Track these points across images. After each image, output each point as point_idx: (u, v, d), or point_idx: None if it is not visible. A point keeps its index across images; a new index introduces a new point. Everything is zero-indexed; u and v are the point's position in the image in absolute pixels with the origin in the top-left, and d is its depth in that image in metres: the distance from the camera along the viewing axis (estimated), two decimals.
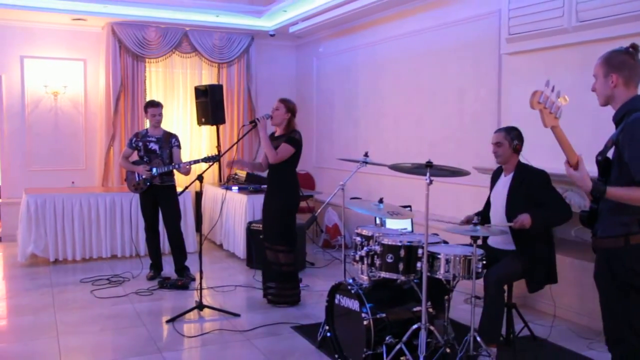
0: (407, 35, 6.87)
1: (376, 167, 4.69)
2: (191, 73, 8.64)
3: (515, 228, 3.57)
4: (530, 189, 3.66)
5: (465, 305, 4.69)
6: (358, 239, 3.72)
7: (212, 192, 7.61)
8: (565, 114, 4.76)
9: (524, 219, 3.52)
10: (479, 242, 3.92)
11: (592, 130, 4.21)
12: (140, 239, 6.56)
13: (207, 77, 8.76)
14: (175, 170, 5.66)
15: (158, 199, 5.69)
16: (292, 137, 4.75)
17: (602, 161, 2.54)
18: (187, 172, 5.52)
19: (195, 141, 8.79)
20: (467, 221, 3.92)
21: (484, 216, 4.02)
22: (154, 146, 5.63)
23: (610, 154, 2.54)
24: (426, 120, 6.61)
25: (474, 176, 5.27)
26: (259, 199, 6.50)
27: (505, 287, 3.80)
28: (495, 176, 4.02)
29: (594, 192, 2.42)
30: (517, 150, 3.78)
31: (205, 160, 5.36)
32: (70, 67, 8.05)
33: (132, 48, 8.03)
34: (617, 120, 2.54)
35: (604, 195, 2.40)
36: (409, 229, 5.26)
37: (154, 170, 5.53)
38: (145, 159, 5.62)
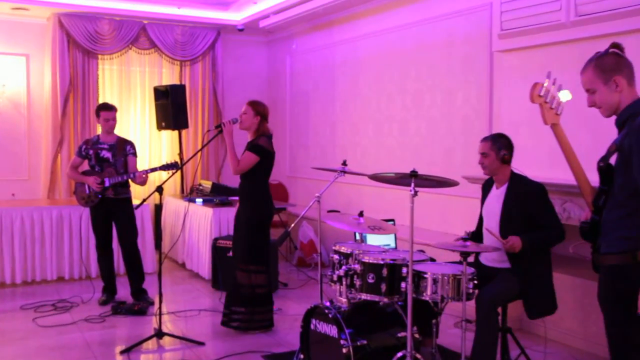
0: (390, 30, 6.91)
1: (356, 177, 4.70)
2: (150, 71, 8.58)
3: (504, 249, 3.59)
4: (526, 205, 3.68)
5: (455, 330, 4.68)
6: (336, 256, 3.70)
7: (174, 205, 7.53)
8: (566, 119, 4.83)
9: (514, 242, 3.55)
10: (470, 259, 3.92)
11: (591, 135, 4.26)
12: (91, 258, 6.45)
13: (168, 76, 8.72)
14: (130, 181, 5.58)
15: (111, 213, 5.61)
16: (255, 144, 4.74)
17: (604, 167, 2.55)
18: (143, 182, 5.46)
19: (155, 148, 8.72)
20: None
21: (477, 234, 4.02)
22: (106, 154, 5.56)
23: (612, 160, 2.56)
24: (411, 125, 6.64)
25: (464, 186, 5.31)
26: (226, 212, 6.47)
27: (500, 309, 3.80)
28: (486, 187, 4.03)
29: None
30: (506, 160, 3.79)
31: (164, 168, 5.31)
32: (10, 63, 7.92)
33: (82, 42, 7.94)
34: (620, 123, 2.57)
35: None
36: (392, 245, 5.26)
37: (107, 181, 5.45)
38: (96, 169, 5.54)
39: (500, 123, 5.34)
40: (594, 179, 2.65)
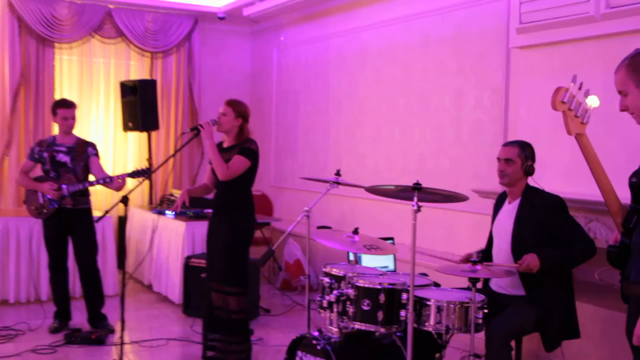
0: (393, 22, 6.96)
1: (351, 189, 4.71)
2: (116, 64, 8.59)
3: (520, 270, 3.60)
4: (542, 219, 3.70)
5: None
6: (326, 279, 3.70)
7: (141, 218, 7.51)
8: (594, 125, 4.86)
9: (529, 262, 3.56)
10: (479, 285, 3.93)
11: (622, 145, 4.29)
12: (42, 278, 6.41)
13: (137, 69, 8.73)
14: (91, 188, 5.58)
15: (68, 226, 5.58)
16: (246, 147, 4.73)
17: (637, 184, 2.57)
18: (119, 188, 5.45)
19: (120, 152, 8.73)
20: (466, 259, 3.94)
21: (486, 254, 4.04)
22: (64, 157, 5.54)
23: None
24: (414, 130, 6.67)
25: (473, 201, 5.32)
26: (201, 227, 6.44)
27: (513, 343, 3.81)
28: (499, 203, 4.06)
29: None
30: (530, 172, 3.84)
31: (134, 175, 5.29)
32: None
33: (36, 28, 7.95)
34: None
35: None
36: (391, 267, 5.28)
37: (65, 188, 5.43)
38: (51, 174, 5.52)
39: (516, 130, 5.37)
40: (624, 196, 2.65)
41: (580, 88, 2.56)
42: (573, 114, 2.55)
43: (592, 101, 2.56)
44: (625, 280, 2.58)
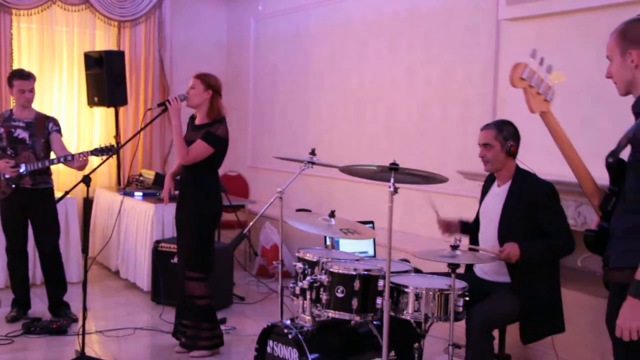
0: None
1: (332, 170, 4.73)
2: (80, 33, 8.55)
3: (499, 258, 3.65)
4: (531, 207, 3.74)
5: (443, 356, 4.72)
6: (299, 265, 3.74)
7: (108, 199, 7.50)
8: (585, 102, 4.89)
9: (510, 251, 3.62)
10: (462, 270, 3.99)
11: (614, 122, 4.34)
12: (0, 263, 6.40)
13: (103, 39, 8.68)
14: (53, 167, 5.57)
15: (27, 207, 5.57)
16: (210, 132, 4.76)
17: (614, 164, 2.60)
18: (82, 167, 5.41)
19: (85, 129, 8.70)
20: (447, 226, 4.02)
21: (471, 234, 4.09)
22: (22, 133, 5.52)
23: (625, 155, 2.61)
24: (400, 108, 6.70)
25: (460, 183, 5.41)
26: (171, 209, 6.39)
27: (497, 332, 3.87)
28: (487, 185, 4.10)
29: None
30: (512, 153, 3.85)
31: (97, 152, 5.27)
32: None
33: None
34: (638, 111, 2.62)
35: None
36: (371, 252, 5.33)
37: (23, 167, 5.42)
38: (9, 152, 5.50)
39: (506, 107, 5.41)
40: (603, 177, 2.69)
41: (541, 63, 2.60)
42: (535, 91, 2.59)
43: (556, 77, 2.60)
44: (606, 267, 2.62)
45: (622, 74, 2.60)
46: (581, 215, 4.61)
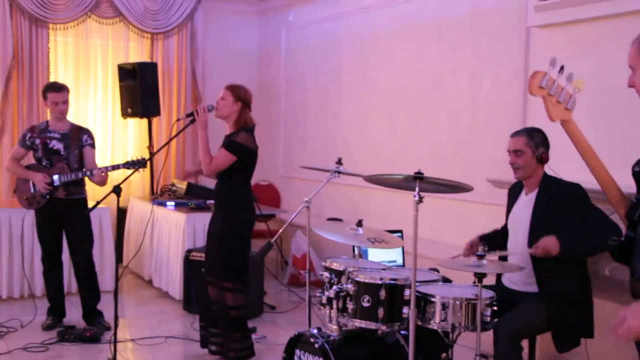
0: (406, 0, 6.94)
1: (363, 179, 4.71)
2: (114, 45, 8.64)
3: (537, 255, 3.58)
4: (561, 209, 3.70)
5: None
6: (326, 274, 3.74)
7: (142, 209, 7.58)
8: (616, 109, 4.82)
9: (546, 243, 3.54)
10: (491, 281, 3.96)
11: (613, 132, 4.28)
12: (35, 273, 6.48)
13: (136, 51, 8.77)
14: (87, 179, 5.63)
15: (62, 217, 5.65)
16: (232, 140, 4.78)
17: None
18: (102, 182, 5.49)
19: (119, 140, 8.79)
20: (470, 249, 3.97)
21: (500, 243, 4.05)
22: (57, 145, 5.60)
23: None
24: (429, 116, 6.67)
25: (490, 191, 5.36)
26: (203, 218, 6.49)
27: (527, 342, 3.83)
28: (514, 193, 4.06)
29: None
30: (543, 160, 3.82)
31: (129, 165, 5.32)
32: None
33: (29, 8, 7.99)
34: None
35: None
36: (399, 261, 5.29)
37: (56, 178, 5.49)
38: (44, 163, 5.59)
39: (534, 115, 5.35)
40: (629, 185, 2.65)
41: (561, 71, 2.57)
42: (554, 99, 2.56)
43: (577, 85, 2.56)
44: (632, 277, 2.58)
45: None
46: None
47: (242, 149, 4.77)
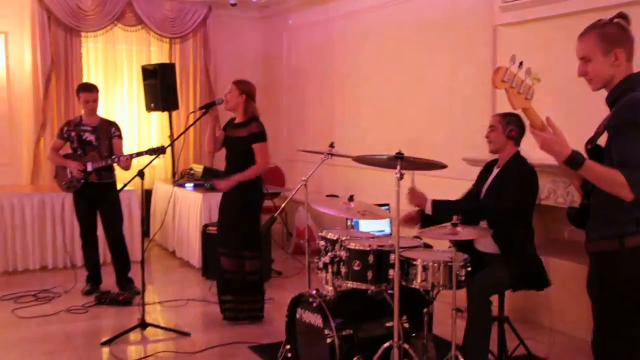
0: (391, 3, 6.90)
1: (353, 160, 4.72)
2: (137, 50, 8.62)
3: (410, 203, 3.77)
4: (503, 182, 3.74)
5: (449, 319, 4.72)
6: (322, 243, 3.75)
7: (165, 190, 7.60)
8: (571, 96, 4.81)
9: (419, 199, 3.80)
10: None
11: (593, 113, 4.25)
12: (75, 246, 6.51)
13: (157, 54, 8.74)
14: (115, 165, 5.65)
15: (95, 198, 5.68)
16: (253, 133, 4.81)
17: (592, 150, 2.57)
18: (127, 167, 5.53)
19: (144, 130, 8.78)
20: (408, 219, 4.02)
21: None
22: (89, 136, 5.61)
23: (602, 141, 2.57)
24: (411, 105, 6.65)
25: (465, 169, 5.35)
26: (217, 197, 6.45)
27: (497, 297, 3.84)
28: (487, 169, 4.05)
29: (568, 162, 2.39)
30: (512, 137, 3.81)
31: (150, 152, 5.34)
32: None
33: (64, 19, 7.97)
34: (612, 101, 2.57)
35: (581, 166, 2.37)
36: (387, 231, 5.30)
37: (89, 165, 5.51)
38: (79, 152, 5.60)
39: (504, 102, 5.31)
40: None
41: (520, 66, 2.56)
42: (515, 91, 2.55)
43: (534, 77, 2.56)
44: (587, 238, 2.60)
45: (602, 73, 2.55)
46: (570, 194, 4.55)
47: (265, 134, 4.89)
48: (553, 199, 4.79)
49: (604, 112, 2.60)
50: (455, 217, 3.38)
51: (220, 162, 8.75)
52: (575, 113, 4.73)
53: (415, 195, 3.91)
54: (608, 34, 2.53)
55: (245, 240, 4.89)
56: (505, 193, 3.70)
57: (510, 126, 3.82)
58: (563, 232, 4.21)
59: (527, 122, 2.81)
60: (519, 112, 2.69)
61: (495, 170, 3.92)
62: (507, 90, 2.55)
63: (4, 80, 8.03)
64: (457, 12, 6.00)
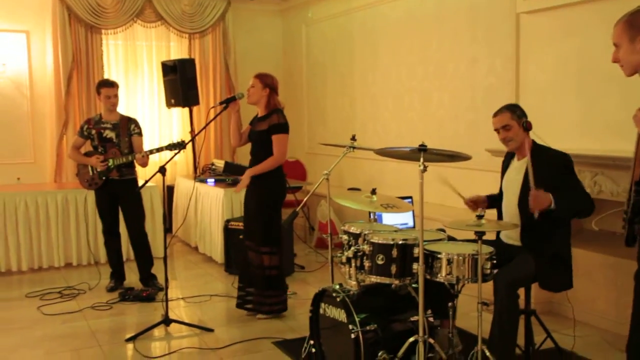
0: None
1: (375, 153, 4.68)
2: (157, 45, 8.64)
3: (532, 207, 3.46)
4: (548, 176, 3.61)
5: (475, 313, 4.66)
6: (345, 237, 3.70)
7: (186, 186, 7.61)
8: (597, 83, 4.73)
9: (540, 195, 3.43)
10: (492, 237, 3.91)
11: (624, 99, 4.18)
12: (99, 243, 6.55)
13: (177, 50, 8.76)
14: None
15: (117, 195, 5.69)
16: (274, 124, 4.77)
17: None
18: (144, 164, 5.54)
19: (165, 126, 8.81)
20: (475, 203, 3.91)
21: (497, 206, 3.99)
22: (109, 134, 5.62)
23: None
24: (433, 97, 6.58)
25: (489, 160, 5.29)
26: (239, 192, 6.49)
27: (523, 290, 3.78)
28: (507, 160, 3.99)
29: None
30: (528, 127, 3.73)
31: (170, 148, 5.33)
32: (9, 41, 7.99)
33: (84, 17, 8.00)
34: None
35: None
36: (410, 224, 5.25)
37: (111, 162, 5.52)
38: (99, 149, 5.61)
39: (526, 92, 5.27)
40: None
41: None
42: None
43: None
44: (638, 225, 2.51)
45: (630, 58, 2.57)
46: (597, 184, 4.47)
47: (287, 126, 4.83)
48: None
49: (630, 98, 2.54)
50: (479, 210, 3.32)
51: (242, 156, 8.83)
52: (601, 100, 4.64)
53: (476, 201, 3.91)
54: (636, 21, 2.54)
55: (265, 235, 4.87)
56: (575, 184, 3.60)
57: (523, 118, 3.73)
58: (590, 223, 4.12)
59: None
60: None
61: (519, 165, 3.82)
62: None
63: (26, 79, 8.10)
64: (477, 1, 5.92)
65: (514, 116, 3.73)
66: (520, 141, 3.77)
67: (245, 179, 4.88)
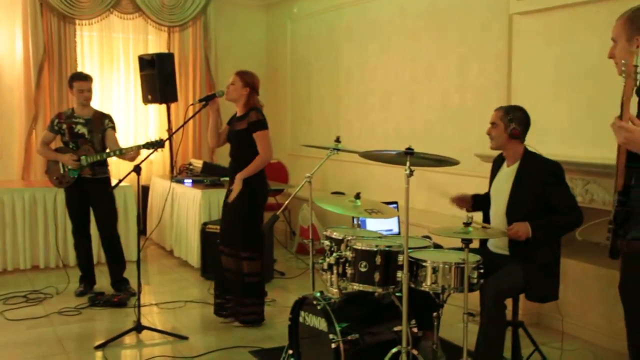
0: None
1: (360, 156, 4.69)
2: (134, 38, 8.60)
3: (508, 236, 3.59)
4: (538, 185, 3.66)
5: (461, 323, 4.68)
6: (327, 242, 3.71)
7: (162, 186, 7.57)
8: (589, 87, 4.76)
9: (518, 229, 3.56)
10: (477, 245, 3.93)
11: (616, 104, 4.21)
12: (68, 245, 6.50)
13: (155, 43, 8.73)
14: (109, 159, 5.63)
15: (88, 195, 5.65)
16: (252, 122, 4.77)
17: None
18: (133, 158, 5.49)
19: (141, 123, 8.77)
20: (461, 200, 3.95)
21: (482, 210, 4.02)
22: (82, 129, 5.59)
23: None
24: (421, 98, 6.62)
25: (478, 165, 5.32)
26: (217, 194, 6.49)
27: (511, 301, 3.81)
28: (496, 165, 4.02)
29: None
30: (514, 135, 3.76)
31: (147, 146, 5.31)
32: None
33: (57, 6, 7.94)
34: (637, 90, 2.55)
35: None
36: (395, 230, 5.26)
37: (83, 159, 5.49)
38: (71, 145, 5.58)
39: (519, 95, 5.30)
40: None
41: None
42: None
43: None
44: (622, 239, 2.55)
45: (624, 56, 2.55)
46: (589, 192, 4.51)
47: (266, 122, 4.84)
48: None
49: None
50: (467, 217, 3.35)
51: (220, 157, 8.80)
52: (595, 105, 4.69)
53: (461, 200, 3.99)
54: (637, 19, 2.57)
55: (245, 240, 4.86)
56: (561, 195, 3.65)
57: (513, 124, 3.75)
58: (574, 232, 4.17)
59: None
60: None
61: (508, 171, 3.86)
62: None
63: None
64: (469, 0, 5.96)
65: (504, 117, 3.78)
66: (501, 143, 3.82)
67: (237, 185, 4.82)
